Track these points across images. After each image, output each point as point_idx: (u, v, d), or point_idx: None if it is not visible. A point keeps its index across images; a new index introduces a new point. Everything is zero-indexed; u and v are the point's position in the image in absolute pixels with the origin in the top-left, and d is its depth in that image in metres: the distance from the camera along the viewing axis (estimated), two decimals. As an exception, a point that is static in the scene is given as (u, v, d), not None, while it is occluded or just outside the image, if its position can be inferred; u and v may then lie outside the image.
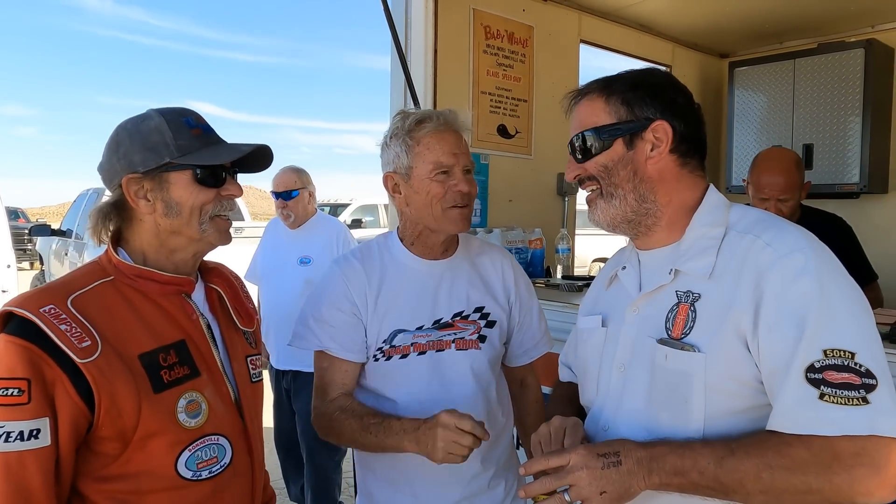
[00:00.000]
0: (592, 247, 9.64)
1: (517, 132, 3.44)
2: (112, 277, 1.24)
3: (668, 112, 1.24)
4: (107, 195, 1.33)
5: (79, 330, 1.13)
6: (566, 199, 3.66)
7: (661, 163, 1.24)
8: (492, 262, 1.79)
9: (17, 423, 1.07)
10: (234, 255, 5.00)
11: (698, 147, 1.29)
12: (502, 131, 3.38)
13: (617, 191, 1.26)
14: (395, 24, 2.87)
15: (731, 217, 1.23)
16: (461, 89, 3.23)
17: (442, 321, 1.70)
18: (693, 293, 1.18)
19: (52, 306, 1.13)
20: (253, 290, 3.74)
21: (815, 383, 1.01)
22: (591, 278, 3.18)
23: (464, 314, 1.72)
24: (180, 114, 1.29)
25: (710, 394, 1.13)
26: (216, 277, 1.41)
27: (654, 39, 4.19)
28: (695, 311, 1.17)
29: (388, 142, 1.69)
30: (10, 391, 1.07)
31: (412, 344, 1.67)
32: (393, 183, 1.69)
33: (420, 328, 1.68)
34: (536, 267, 3.19)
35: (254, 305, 1.49)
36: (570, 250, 3.29)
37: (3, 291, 5.74)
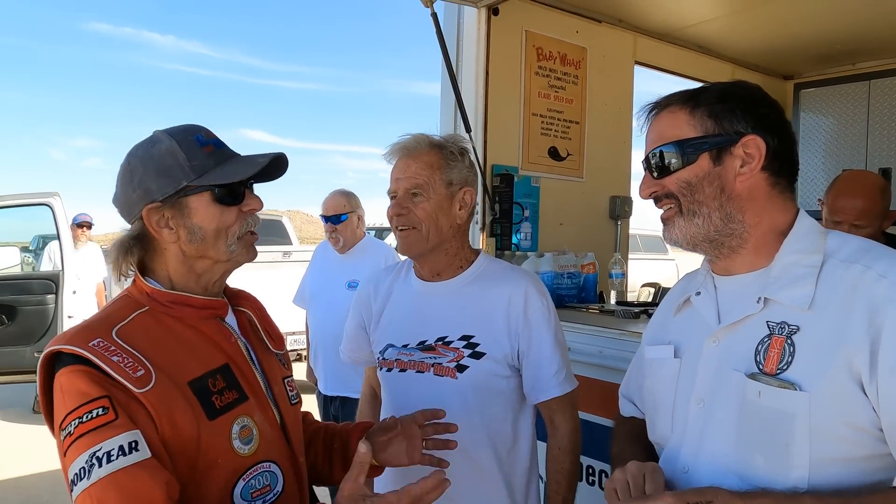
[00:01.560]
0: (641, 272, 9.40)
1: (569, 154, 3.36)
2: (147, 308, 1.20)
3: (759, 126, 1.13)
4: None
5: (130, 360, 1.09)
6: (619, 222, 3.55)
7: (751, 180, 1.13)
8: (501, 288, 1.69)
9: (113, 441, 1.01)
10: (282, 279, 5.06)
11: (790, 166, 1.18)
12: (553, 153, 3.31)
13: (700, 209, 1.15)
14: (447, 47, 2.85)
15: (829, 244, 1.12)
16: (512, 111, 3.18)
17: (425, 343, 1.68)
18: (789, 325, 1.07)
19: (99, 339, 1.09)
20: (301, 313, 3.79)
21: None
22: (649, 304, 3.05)
23: (447, 340, 1.66)
24: (189, 132, 1.23)
25: (817, 438, 1.01)
26: (243, 301, 1.37)
27: (713, 61, 4.07)
28: (793, 344, 1.05)
29: None
30: (94, 412, 1.02)
31: (396, 360, 1.70)
32: None
33: (405, 346, 1.69)
34: (590, 292, 3.08)
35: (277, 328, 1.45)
36: (625, 275, 3.17)
37: (70, 317, 5.94)
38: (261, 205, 1.28)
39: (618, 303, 3.06)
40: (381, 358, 1.76)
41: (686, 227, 1.17)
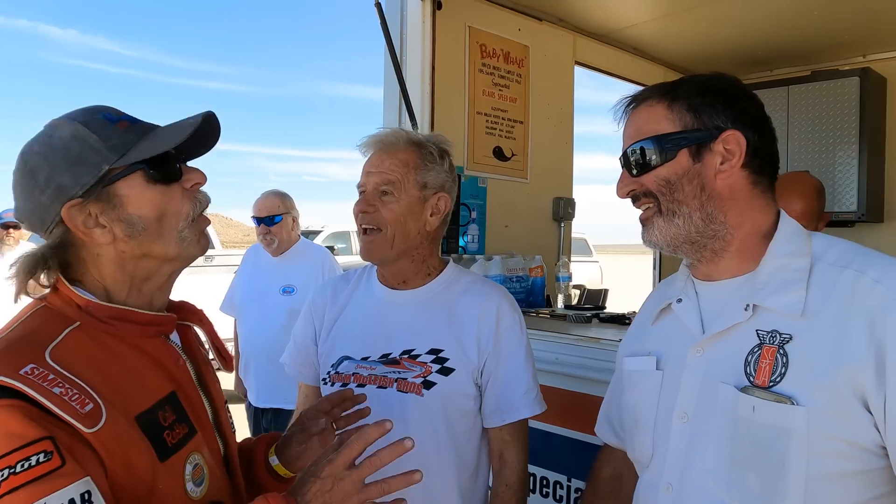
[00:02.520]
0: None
1: (513, 154, 3.29)
2: (78, 323, 0.96)
3: (739, 121, 1.08)
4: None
5: (76, 392, 0.86)
6: (562, 224, 3.51)
7: (731, 178, 1.08)
8: (472, 301, 1.57)
9: (63, 493, 0.79)
10: (204, 285, 4.75)
11: (771, 163, 1.12)
12: (498, 153, 3.23)
13: (680, 208, 1.09)
14: (389, 43, 2.70)
15: (815, 247, 1.07)
16: (457, 109, 3.07)
17: (390, 356, 1.53)
18: (781, 334, 1.00)
19: (32, 366, 0.86)
20: (228, 321, 3.55)
21: None
22: (600, 308, 3.03)
23: (413, 353, 1.52)
24: (93, 112, 1.00)
25: (814, 455, 0.94)
26: (189, 314, 1.15)
27: (647, 63, 4.12)
28: (786, 354, 0.99)
29: None
30: (33, 459, 0.80)
31: (353, 374, 1.53)
32: None
33: (365, 359, 1.53)
34: (537, 296, 3.01)
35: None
36: (571, 278, 3.13)
37: None
38: (204, 178, 1.06)
39: (566, 307, 3.02)
40: (332, 372, 1.58)
41: (666, 228, 1.10)
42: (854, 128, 3.81)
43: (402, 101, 2.69)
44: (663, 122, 1.10)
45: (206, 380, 1.13)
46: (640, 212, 1.17)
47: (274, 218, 3.27)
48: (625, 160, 1.15)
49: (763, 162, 1.11)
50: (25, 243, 4.12)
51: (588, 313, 2.73)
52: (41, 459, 0.80)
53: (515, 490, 1.56)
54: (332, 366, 1.59)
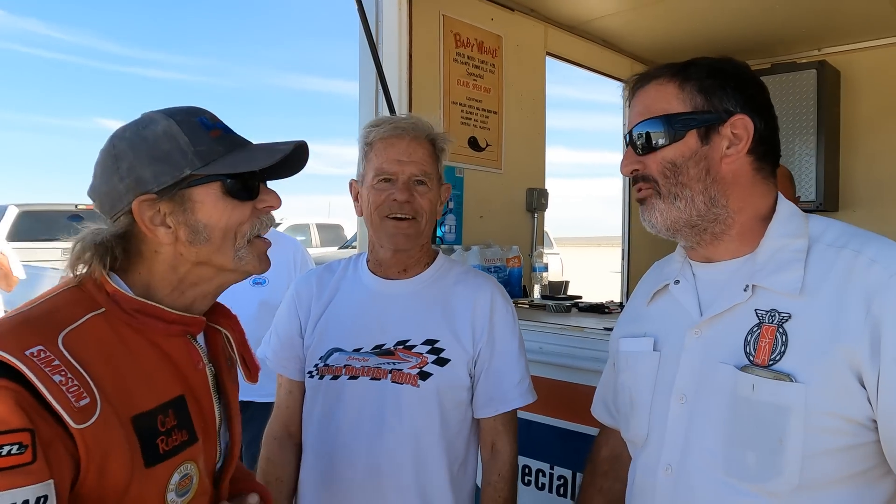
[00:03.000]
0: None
1: (488, 145, 3.29)
2: (104, 309, 0.95)
3: (748, 106, 1.10)
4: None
5: (76, 383, 0.84)
6: (535, 215, 3.53)
7: (736, 163, 1.10)
8: (466, 291, 1.58)
9: (21, 491, 0.77)
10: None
11: (773, 151, 1.15)
12: (473, 144, 3.22)
13: (683, 191, 1.10)
14: (367, 29, 2.66)
15: (812, 228, 1.09)
16: (432, 99, 3.05)
17: (383, 347, 1.53)
18: (780, 312, 1.03)
19: (40, 348, 0.84)
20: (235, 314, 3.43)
21: None
22: (578, 298, 3.06)
23: (408, 343, 1.52)
24: (191, 113, 1.02)
25: (811, 431, 0.97)
26: (222, 317, 1.14)
27: (615, 55, 4.17)
28: (785, 333, 1.01)
29: (359, 148, 1.60)
30: (6, 449, 0.78)
31: (345, 366, 1.51)
32: (355, 191, 1.60)
33: (357, 350, 1.52)
34: (514, 286, 3.03)
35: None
36: (546, 268, 3.16)
37: None
38: (279, 202, 1.07)
39: (543, 297, 3.04)
40: (321, 364, 1.56)
41: (667, 211, 1.12)
42: (812, 119, 3.94)
43: (380, 91, 2.66)
44: (673, 101, 1.11)
45: (225, 388, 1.10)
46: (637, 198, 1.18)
47: None
48: (630, 138, 1.15)
49: (767, 149, 1.13)
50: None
51: (567, 303, 2.76)
52: (13, 451, 0.78)
53: (508, 479, 1.57)
54: (320, 358, 1.56)
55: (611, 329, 2.24)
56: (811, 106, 3.94)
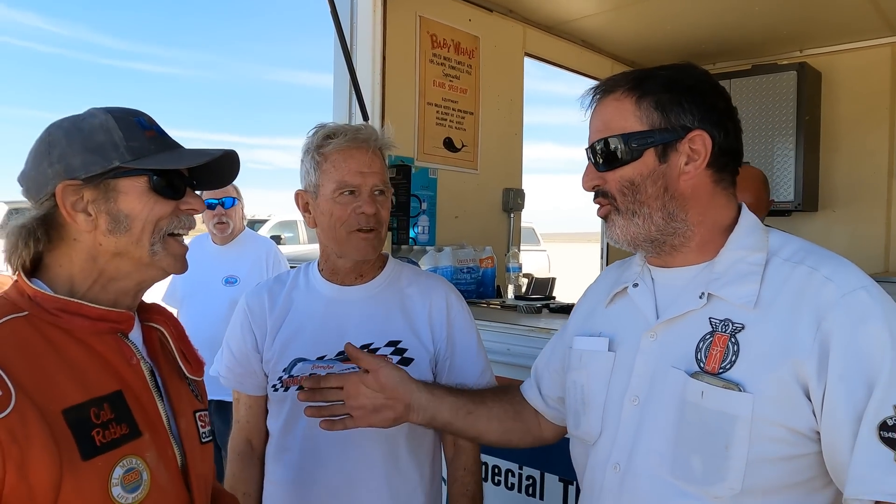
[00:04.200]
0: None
1: (463, 146, 3.29)
2: (26, 313, 0.96)
3: (706, 120, 1.09)
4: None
5: None
6: (511, 215, 3.54)
7: (695, 178, 1.09)
8: (421, 292, 1.60)
9: None
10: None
11: (735, 159, 1.15)
12: (448, 144, 3.22)
13: (641, 209, 1.10)
14: (339, 31, 2.66)
15: (771, 242, 1.10)
16: (407, 100, 3.05)
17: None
18: (733, 323, 1.04)
19: None
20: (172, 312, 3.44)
21: (890, 443, 0.90)
22: (550, 298, 3.06)
23: (372, 346, 1.53)
24: (131, 113, 1.06)
25: (756, 440, 0.99)
26: (157, 314, 1.15)
27: (595, 56, 4.17)
28: (737, 343, 1.03)
29: (302, 156, 1.56)
30: None
31: (310, 374, 1.48)
32: (304, 202, 1.57)
33: (321, 358, 1.52)
34: (488, 287, 3.03)
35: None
36: (521, 269, 3.16)
37: None
38: (203, 207, 1.10)
39: (516, 297, 3.04)
40: (285, 377, 1.55)
41: (626, 227, 1.12)
42: (791, 120, 3.95)
43: (352, 92, 2.66)
44: (630, 118, 1.10)
45: (167, 385, 1.10)
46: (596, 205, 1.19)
47: (229, 200, 3.21)
48: (591, 153, 1.15)
49: (727, 160, 1.13)
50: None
51: (538, 304, 2.76)
52: None
53: (473, 472, 1.60)
54: (283, 370, 1.56)
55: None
56: (791, 107, 3.96)
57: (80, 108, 1.12)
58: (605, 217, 1.16)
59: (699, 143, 1.08)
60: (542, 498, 2.37)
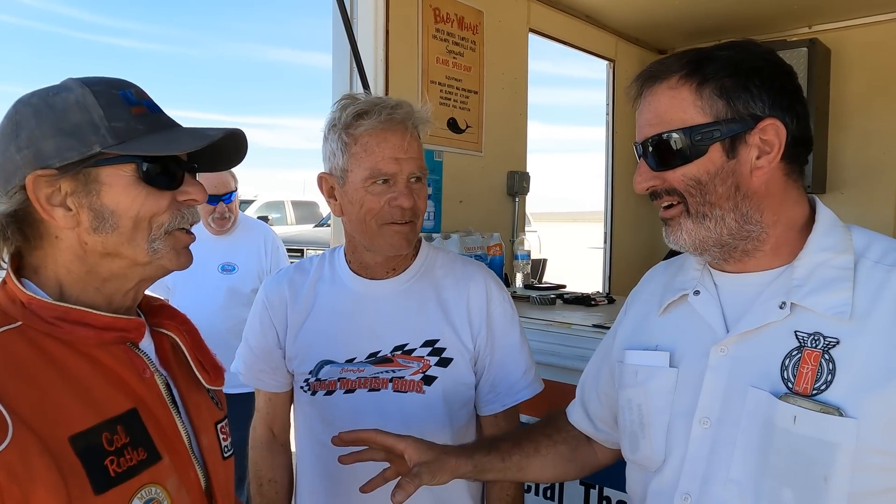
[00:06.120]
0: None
1: (468, 126, 3.13)
2: (19, 323, 0.82)
3: (777, 105, 0.96)
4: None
5: None
6: (517, 199, 3.40)
7: (768, 174, 0.96)
8: (457, 282, 1.46)
9: None
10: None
11: (807, 149, 1.01)
12: (453, 125, 3.06)
13: (713, 210, 0.97)
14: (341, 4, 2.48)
15: (855, 242, 0.98)
16: (410, 78, 2.88)
17: (379, 355, 1.40)
18: (825, 337, 0.92)
19: None
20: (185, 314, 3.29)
21: None
22: (562, 287, 2.94)
23: (407, 348, 1.40)
24: (114, 85, 0.89)
25: (859, 470, 0.87)
26: (168, 319, 1.00)
27: (599, 32, 4.01)
28: (832, 360, 0.90)
29: (326, 133, 1.38)
30: None
31: (339, 379, 1.39)
32: (329, 186, 1.40)
33: (351, 361, 1.40)
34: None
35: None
36: (529, 256, 3.03)
37: None
38: (204, 196, 0.94)
39: (526, 286, 2.92)
40: (312, 379, 1.43)
41: (695, 231, 0.99)
42: (802, 100, 3.83)
43: (354, 70, 2.49)
44: (690, 109, 0.96)
45: (184, 397, 0.97)
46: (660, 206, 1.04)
47: (231, 194, 3.10)
48: (643, 149, 1.01)
49: (800, 150, 1.00)
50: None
51: (552, 294, 2.64)
52: None
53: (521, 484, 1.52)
54: (310, 373, 1.44)
55: (600, 326, 2.16)
56: (801, 85, 3.83)
57: (52, 82, 0.92)
58: (670, 219, 1.02)
59: (772, 133, 0.95)
60: (561, 502, 2.28)
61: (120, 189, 0.86)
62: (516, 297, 2.72)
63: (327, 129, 1.39)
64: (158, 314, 1.00)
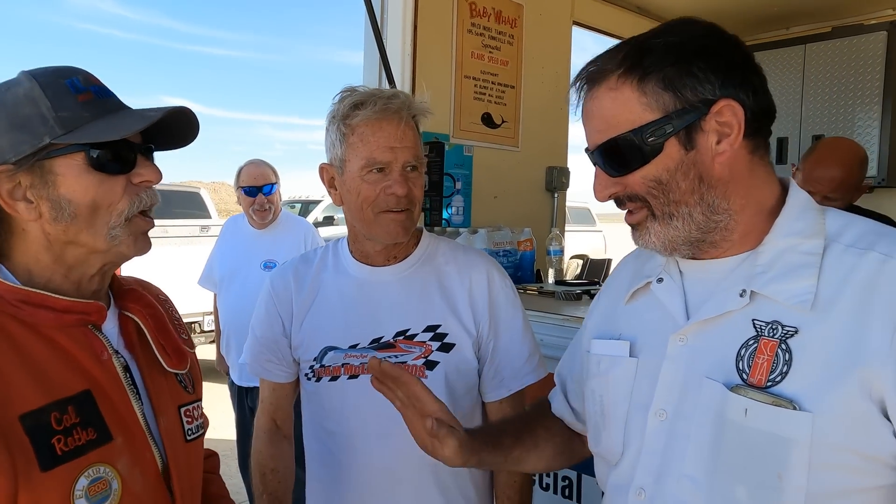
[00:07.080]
0: (569, 244, 9.52)
1: (503, 122, 3.10)
2: None
3: (729, 83, 0.88)
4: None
5: None
6: (556, 195, 3.33)
7: (732, 156, 0.89)
8: (458, 270, 1.46)
9: None
10: (199, 256, 4.64)
11: (769, 118, 0.93)
12: (487, 120, 3.04)
13: (679, 209, 0.91)
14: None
15: (829, 225, 0.90)
16: (443, 73, 2.88)
17: (382, 340, 1.41)
18: (784, 326, 0.85)
19: None
20: (209, 296, 3.44)
21: None
22: (590, 283, 2.86)
23: (409, 333, 1.41)
24: (61, 74, 0.92)
25: (817, 468, 0.81)
26: (133, 302, 1.03)
27: (651, 23, 3.85)
28: (788, 350, 0.84)
29: (327, 125, 1.40)
30: None
31: (343, 365, 1.40)
32: (329, 176, 1.43)
33: (354, 347, 1.40)
34: (526, 271, 2.86)
35: (189, 336, 1.12)
36: (563, 252, 2.96)
37: None
38: (158, 176, 0.96)
39: (556, 282, 2.86)
40: (317, 366, 1.45)
41: (664, 232, 0.93)
42: (877, 87, 3.57)
43: (381, 68, 2.52)
44: (636, 108, 0.89)
45: (146, 380, 1.00)
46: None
47: (272, 186, 3.18)
48: (597, 158, 0.95)
49: (762, 122, 0.92)
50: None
51: (578, 290, 2.57)
52: None
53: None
54: (314, 359, 1.46)
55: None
56: (877, 73, 3.57)
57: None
58: (637, 224, 0.97)
59: (728, 114, 0.88)
60: (579, 501, 2.22)
61: (73, 178, 0.90)
62: (543, 293, 2.67)
63: (328, 120, 1.42)
64: (127, 296, 1.04)
